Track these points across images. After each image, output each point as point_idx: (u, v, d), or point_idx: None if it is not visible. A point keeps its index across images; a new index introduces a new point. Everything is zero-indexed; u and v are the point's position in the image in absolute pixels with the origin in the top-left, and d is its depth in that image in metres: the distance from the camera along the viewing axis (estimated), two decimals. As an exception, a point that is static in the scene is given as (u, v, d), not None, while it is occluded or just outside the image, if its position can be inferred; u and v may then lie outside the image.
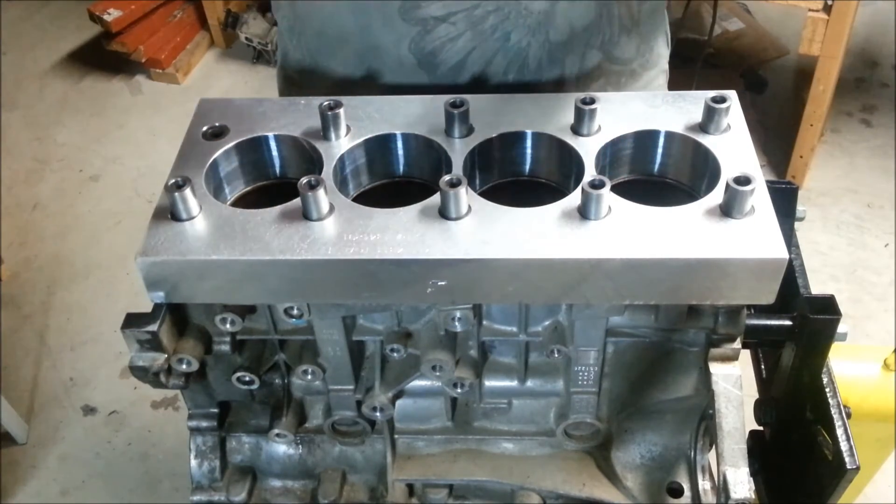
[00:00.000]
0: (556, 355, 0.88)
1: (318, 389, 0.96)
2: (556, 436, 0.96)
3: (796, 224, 0.97)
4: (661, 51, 1.12)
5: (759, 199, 0.76)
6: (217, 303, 0.84)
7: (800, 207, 0.96)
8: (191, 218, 0.78)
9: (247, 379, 0.92)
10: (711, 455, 0.91)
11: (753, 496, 0.78)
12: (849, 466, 0.80)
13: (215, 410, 0.97)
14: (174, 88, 3.62)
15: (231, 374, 0.92)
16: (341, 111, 0.85)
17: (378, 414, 0.93)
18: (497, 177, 0.89)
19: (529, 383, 0.95)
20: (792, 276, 0.92)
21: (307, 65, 1.07)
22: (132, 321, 0.83)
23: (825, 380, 0.86)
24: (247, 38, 3.60)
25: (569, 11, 0.95)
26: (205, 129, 0.88)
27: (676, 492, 0.95)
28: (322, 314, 0.85)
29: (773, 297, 0.75)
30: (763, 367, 1.02)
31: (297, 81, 1.10)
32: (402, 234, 0.75)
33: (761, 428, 1.00)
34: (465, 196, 0.76)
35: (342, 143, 0.85)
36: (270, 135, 0.88)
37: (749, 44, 3.49)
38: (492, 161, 0.87)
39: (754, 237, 0.73)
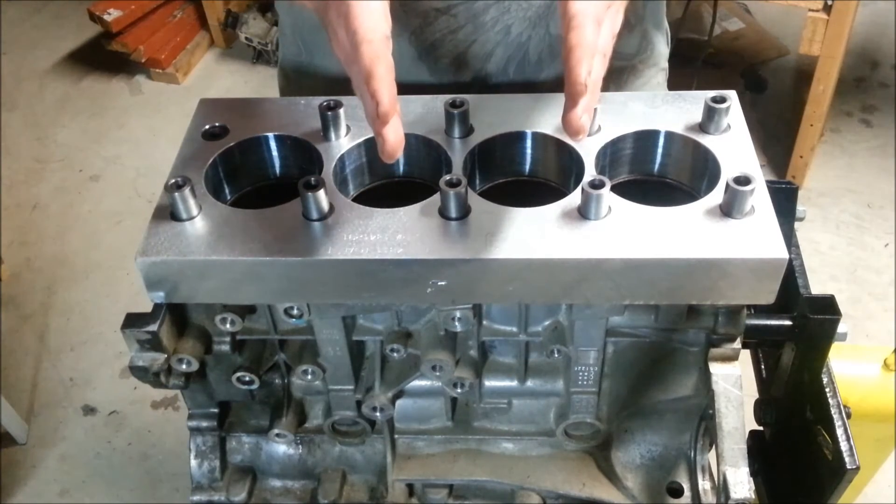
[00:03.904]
0: (556, 355, 0.88)
1: (318, 389, 0.96)
2: (556, 436, 0.96)
3: (796, 224, 0.97)
4: (662, 49, 1.12)
5: (759, 199, 0.76)
6: (217, 303, 0.84)
7: (800, 207, 0.96)
8: (191, 218, 0.78)
9: (247, 379, 0.92)
10: (711, 455, 0.91)
11: (753, 496, 0.78)
12: (849, 466, 0.80)
13: (215, 410, 0.97)
14: (174, 88, 3.62)
15: (231, 374, 0.92)
16: (341, 111, 0.85)
17: (378, 414, 0.93)
18: (497, 177, 0.89)
19: (529, 383, 0.95)
20: (792, 276, 0.92)
21: (306, 60, 1.07)
22: (132, 321, 0.83)
23: (825, 380, 0.86)
24: (247, 38, 3.60)
25: None
26: (205, 129, 0.88)
27: (676, 492, 0.95)
28: (322, 314, 0.85)
29: (773, 297, 0.75)
30: (763, 367, 1.02)
31: (296, 77, 1.10)
32: (402, 234, 0.75)
33: (761, 428, 1.00)
34: (465, 196, 0.76)
35: (342, 143, 0.85)
36: (270, 135, 0.88)
37: (749, 44, 3.49)
38: (492, 161, 0.87)
39: (754, 237, 0.73)
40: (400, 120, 0.67)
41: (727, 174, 0.76)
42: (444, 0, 0.93)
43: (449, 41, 0.96)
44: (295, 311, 0.85)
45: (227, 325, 0.86)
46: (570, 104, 0.66)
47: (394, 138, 0.66)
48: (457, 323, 0.84)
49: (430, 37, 0.96)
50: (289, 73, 1.12)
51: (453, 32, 0.95)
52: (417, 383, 0.94)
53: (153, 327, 0.82)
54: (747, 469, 0.79)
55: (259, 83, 3.59)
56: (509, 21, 0.95)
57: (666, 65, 1.15)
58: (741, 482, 0.78)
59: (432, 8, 0.93)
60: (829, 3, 2.45)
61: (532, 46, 0.97)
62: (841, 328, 0.82)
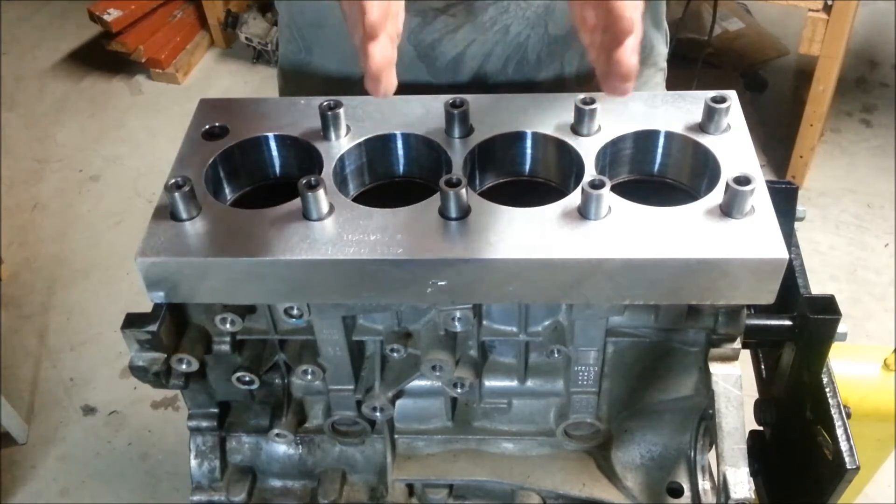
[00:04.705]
0: (556, 355, 0.88)
1: (318, 389, 0.96)
2: (556, 436, 0.96)
3: (796, 224, 0.97)
4: (661, 49, 1.12)
5: (759, 199, 0.76)
6: (217, 303, 0.84)
7: (800, 207, 0.96)
8: (191, 218, 0.78)
9: (247, 379, 0.92)
10: (711, 455, 0.91)
11: (753, 496, 0.78)
12: (849, 466, 0.80)
13: (215, 410, 0.97)
14: (174, 88, 3.62)
15: (231, 374, 0.92)
16: (341, 111, 0.85)
17: (378, 414, 0.93)
18: (497, 177, 0.89)
19: (529, 383, 0.95)
20: (792, 276, 0.92)
21: (305, 58, 1.07)
22: (132, 321, 0.83)
23: (825, 380, 0.86)
24: (247, 38, 3.59)
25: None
26: (205, 129, 0.88)
27: (676, 492, 0.95)
28: (322, 314, 0.85)
29: (773, 297, 0.75)
30: (763, 367, 1.02)
31: (295, 76, 1.10)
32: (402, 234, 0.75)
33: (761, 428, 1.00)
34: (465, 196, 0.76)
35: (342, 143, 0.85)
36: (270, 135, 0.88)
37: (749, 44, 3.49)
38: (492, 161, 0.87)
39: (754, 237, 0.73)
40: (392, 46, 0.62)
41: (727, 174, 0.76)
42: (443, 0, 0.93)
43: (448, 41, 0.96)
44: (295, 311, 0.85)
45: (227, 325, 0.86)
46: (615, 43, 0.61)
47: (380, 57, 0.61)
48: (457, 323, 0.84)
49: (429, 36, 0.96)
50: (288, 73, 1.12)
51: (452, 32, 0.95)
52: (417, 383, 0.94)
53: (153, 327, 0.82)
54: (747, 469, 0.79)
55: (259, 83, 3.59)
56: (508, 21, 0.95)
57: (665, 65, 1.15)
58: (741, 482, 0.78)
59: (431, 7, 0.93)
60: (829, 3, 2.45)
61: (531, 46, 0.97)
62: (841, 328, 0.82)
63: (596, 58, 0.67)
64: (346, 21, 0.67)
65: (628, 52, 0.62)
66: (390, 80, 0.62)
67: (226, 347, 0.90)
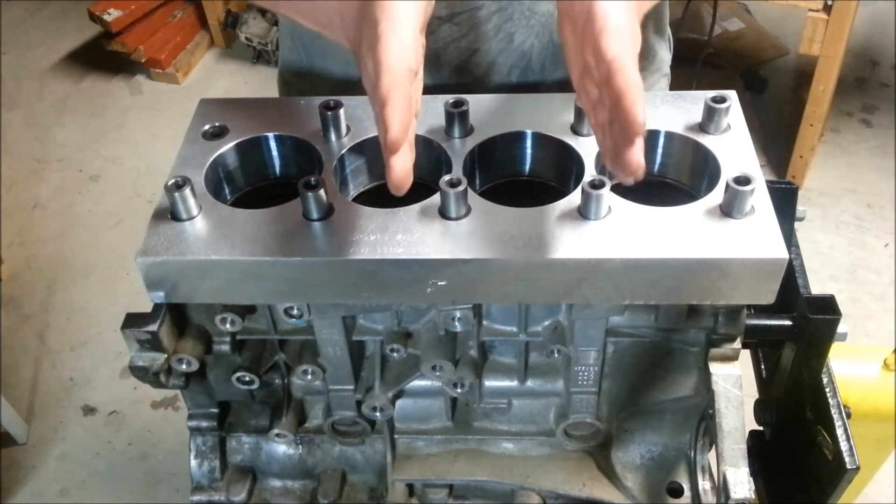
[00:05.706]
0: (556, 355, 0.88)
1: (318, 389, 0.96)
2: (556, 436, 0.96)
3: (796, 224, 0.97)
4: (664, 55, 1.12)
5: (759, 199, 0.76)
6: (217, 303, 0.84)
7: (800, 207, 0.96)
8: (191, 218, 0.78)
9: (247, 379, 0.92)
10: (711, 455, 0.91)
11: (753, 496, 0.78)
12: (849, 466, 0.80)
13: (215, 410, 0.97)
14: (174, 88, 3.62)
15: (231, 374, 0.92)
16: (341, 111, 0.85)
17: (378, 414, 0.93)
18: (497, 177, 0.89)
19: (529, 383, 0.95)
20: (792, 276, 0.92)
21: (306, 66, 1.07)
22: (132, 321, 0.83)
23: (825, 380, 0.86)
24: (247, 38, 3.60)
25: None
26: (205, 129, 0.88)
27: (676, 492, 0.95)
28: (322, 314, 0.85)
29: (773, 297, 0.75)
30: (763, 367, 1.02)
31: (296, 82, 1.10)
32: (402, 234, 0.75)
33: (761, 428, 1.00)
34: (465, 196, 0.76)
35: (342, 143, 0.85)
36: (270, 135, 0.88)
37: (749, 44, 3.49)
38: (492, 161, 0.87)
39: (754, 237, 0.73)
40: (411, 153, 0.66)
41: (727, 174, 0.76)
42: (447, 8, 0.93)
43: (452, 49, 0.96)
44: (295, 311, 0.85)
45: (227, 325, 0.86)
46: (625, 141, 0.63)
47: (400, 168, 0.65)
48: (457, 323, 0.84)
49: (433, 45, 0.95)
50: (288, 79, 1.12)
51: (456, 41, 0.95)
52: (417, 383, 0.94)
53: (153, 327, 0.82)
54: (747, 469, 0.79)
55: (259, 83, 3.59)
56: (512, 29, 0.94)
57: (668, 70, 1.14)
58: (741, 482, 0.78)
59: (435, 16, 0.93)
60: (829, 3, 2.45)
61: (535, 54, 0.97)
62: (841, 328, 0.82)
63: (601, 140, 0.67)
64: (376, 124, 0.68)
65: (638, 152, 0.63)
66: (408, 184, 0.66)
67: (226, 347, 0.90)
